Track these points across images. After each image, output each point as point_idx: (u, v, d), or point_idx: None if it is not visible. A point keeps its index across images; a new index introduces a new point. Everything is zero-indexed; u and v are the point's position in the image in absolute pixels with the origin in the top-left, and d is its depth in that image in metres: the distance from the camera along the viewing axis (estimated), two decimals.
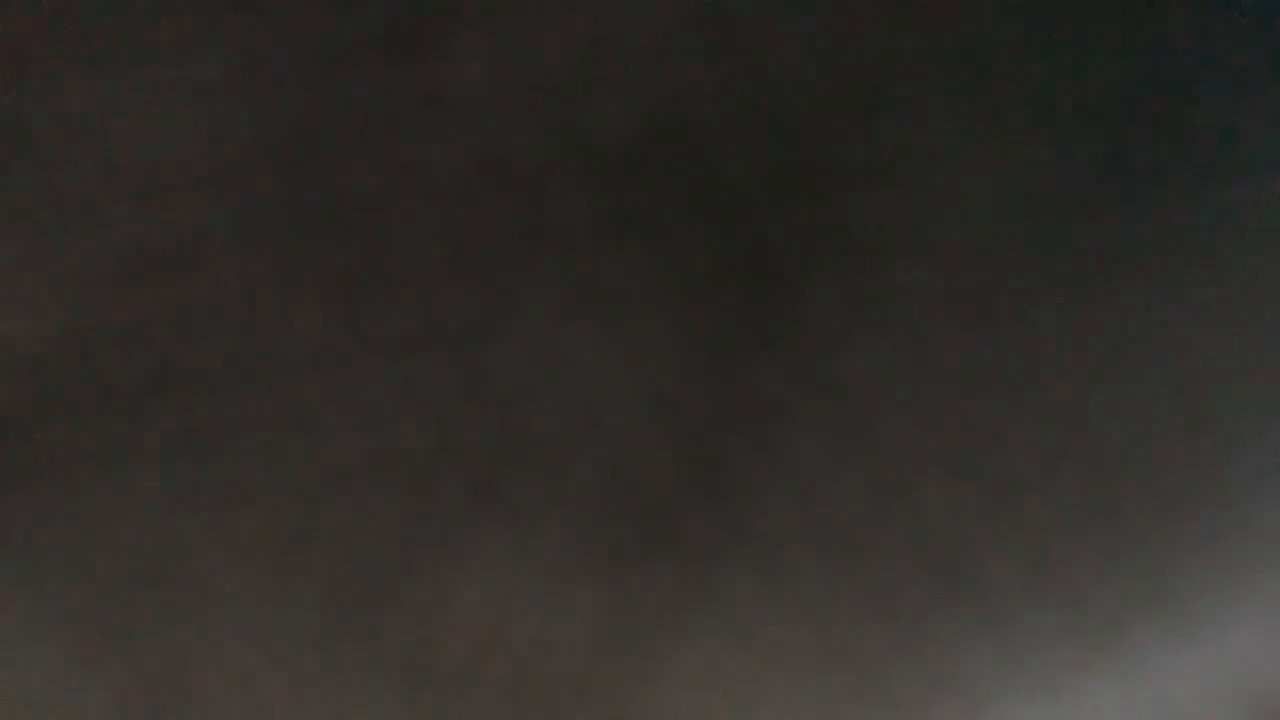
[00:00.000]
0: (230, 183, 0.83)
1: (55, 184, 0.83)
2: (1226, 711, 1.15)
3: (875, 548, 1.03)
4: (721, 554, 1.03)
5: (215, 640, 1.06)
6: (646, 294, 0.89)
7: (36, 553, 1.01)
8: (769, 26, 0.80)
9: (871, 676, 1.11)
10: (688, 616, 1.07)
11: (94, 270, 0.86)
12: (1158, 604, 1.08)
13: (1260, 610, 1.09)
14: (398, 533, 1.01)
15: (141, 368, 0.91)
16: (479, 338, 0.90)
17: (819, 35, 0.80)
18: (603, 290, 0.88)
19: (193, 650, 1.07)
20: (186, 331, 0.90)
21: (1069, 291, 0.90)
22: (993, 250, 0.88)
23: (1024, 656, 1.10)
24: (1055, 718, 1.14)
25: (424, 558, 1.02)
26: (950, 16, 0.80)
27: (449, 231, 0.86)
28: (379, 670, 1.09)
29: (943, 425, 0.96)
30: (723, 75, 0.80)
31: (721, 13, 0.79)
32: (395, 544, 1.02)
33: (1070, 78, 0.82)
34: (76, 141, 0.82)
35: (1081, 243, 0.88)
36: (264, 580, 1.03)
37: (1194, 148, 0.84)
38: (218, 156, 0.82)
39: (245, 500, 0.99)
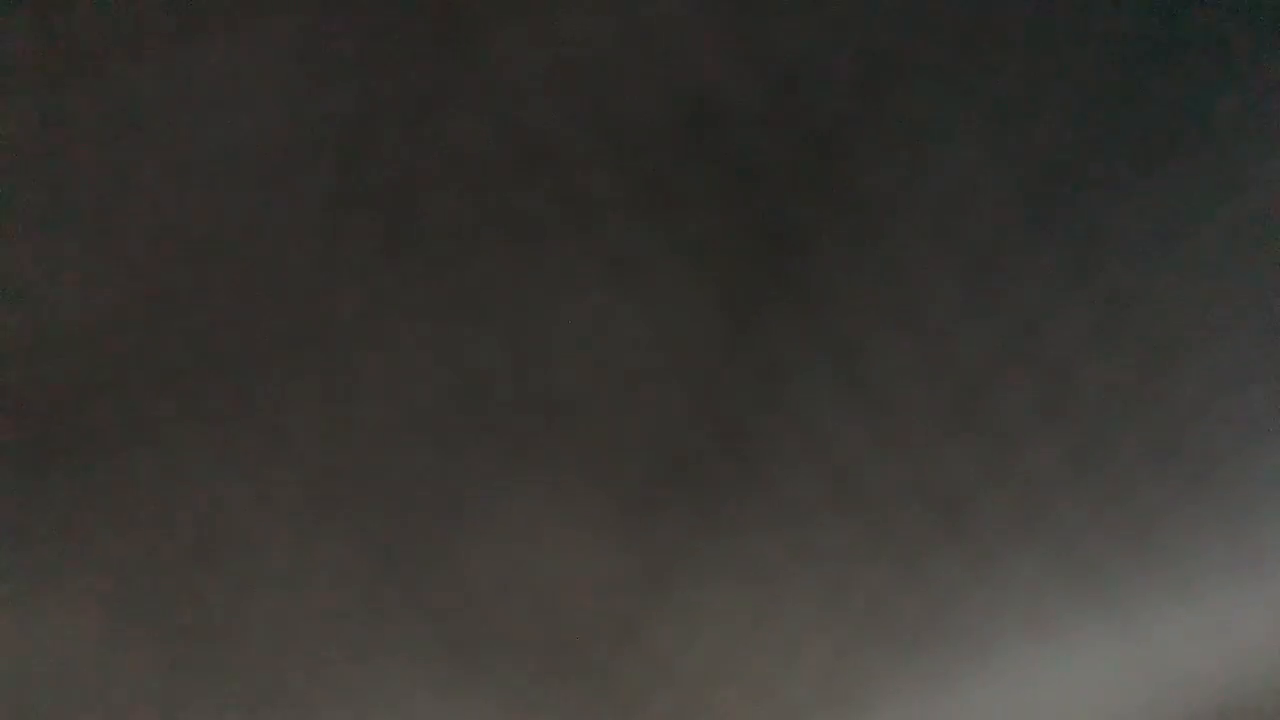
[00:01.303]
0: (281, 166, 0.84)
1: (109, 169, 0.83)
2: (1212, 657, 1.17)
3: (879, 494, 1.04)
4: (737, 502, 1.05)
5: (261, 599, 1.07)
6: (671, 262, 0.90)
7: (84, 517, 1.01)
8: (786, 13, 0.81)
9: (875, 614, 1.12)
10: (705, 559, 1.08)
11: (145, 250, 0.87)
12: (1146, 552, 1.09)
13: (1246, 562, 1.10)
14: (435, 489, 1.02)
15: (190, 341, 0.92)
16: (513, 305, 0.92)
17: (831, 22, 0.81)
18: (630, 259, 0.90)
19: (239, 610, 1.07)
20: (234, 305, 0.90)
21: (1063, 256, 0.93)
22: (991, 218, 0.90)
23: (1016, 597, 1.11)
24: (1045, 655, 1.16)
25: (457, 513, 1.03)
26: (955, 2, 0.82)
27: (487, 206, 0.87)
28: (419, 618, 1.10)
29: (943, 380, 0.98)
30: (743, 59, 0.82)
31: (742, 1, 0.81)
32: (433, 499, 1.03)
33: (1066, 59, 0.84)
34: (130, 127, 0.82)
35: (1075, 212, 0.90)
36: (303, 537, 1.03)
37: (1183, 122, 0.86)
38: (269, 141, 0.83)
39: (289, 463, 0.99)
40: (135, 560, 1.04)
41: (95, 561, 1.04)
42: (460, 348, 0.95)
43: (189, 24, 0.78)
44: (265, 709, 1.13)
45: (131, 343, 0.92)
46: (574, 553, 1.07)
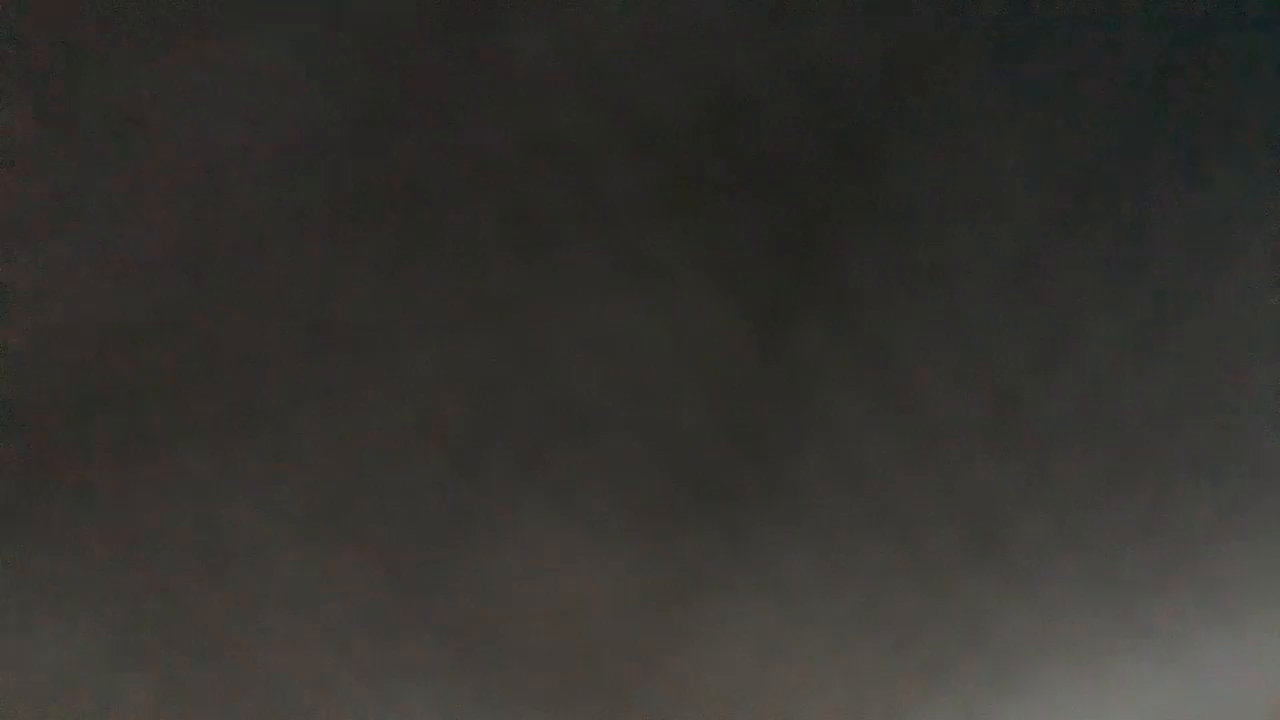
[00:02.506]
0: (285, 167, 0.83)
1: (107, 174, 0.83)
2: (1254, 684, 1.16)
3: (911, 511, 1.04)
4: (761, 518, 1.04)
5: (266, 617, 1.07)
6: (692, 265, 0.89)
7: (85, 532, 1.01)
8: (814, 8, 0.80)
9: (906, 637, 1.12)
10: (728, 579, 1.07)
11: (146, 258, 0.86)
12: (1191, 574, 1.08)
13: None
14: (445, 503, 1.01)
15: (192, 351, 0.91)
16: (527, 309, 0.91)
17: (860, 16, 0.80)
18: (649, 262, 0.89)
19: (244, 628, 1.07)
20: (239, 313, 0.90)
21: (1105, 260, 0.91)
22: (1031, 220, 0.88)
23: (1053, 621, 1.10)
24: (1083, 682, 1.15)
25: (471, 527, 1.03)
26: None
27: (501, 207, 0.86)
28: (427, 637, 1.09)
29: (979, 391, 0.97)
30: (769, 55, 0.81)
31: None
32: (443, 514, 1.02)
33: (1108, 48, 0.82)
34: (128, 130, 0.81)
35: (1117, 213, 0.89)
36: (311, 553, 1.03)
37: (1232, 117, 0.84)
38: (272, 142, 0.82)
39: (294, 477, 0.99)
40: (137, 578, 1.04)
41: (97, 580, 1.04)
42: (473, 356, 0.94)
43: (194, 25, 0.78)
44: None
45: (132, 353, 0.92)
46: (591, 569, 1.06)
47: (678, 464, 1.01)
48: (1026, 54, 0.81)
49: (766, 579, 1.08)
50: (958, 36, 0.80)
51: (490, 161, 0.84)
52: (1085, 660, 1.14)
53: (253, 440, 0.97)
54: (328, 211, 0.85)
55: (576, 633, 1.10)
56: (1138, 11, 0.80)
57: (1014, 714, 1.17)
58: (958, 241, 0.90)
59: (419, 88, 0.81)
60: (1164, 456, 1.02)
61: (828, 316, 0.93)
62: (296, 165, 0.83)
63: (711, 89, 0.82)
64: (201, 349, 0.91)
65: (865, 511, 1.04)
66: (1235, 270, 0.92)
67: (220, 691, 1.11)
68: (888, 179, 0.86)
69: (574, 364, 0.94)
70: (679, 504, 1.03)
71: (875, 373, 0.96)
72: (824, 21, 0.80)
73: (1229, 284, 0.93)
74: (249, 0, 0.77)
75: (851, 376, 0.96)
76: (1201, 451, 1.02)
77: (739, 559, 1.07)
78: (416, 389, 0.95)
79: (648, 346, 0.94)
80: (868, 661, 1.13)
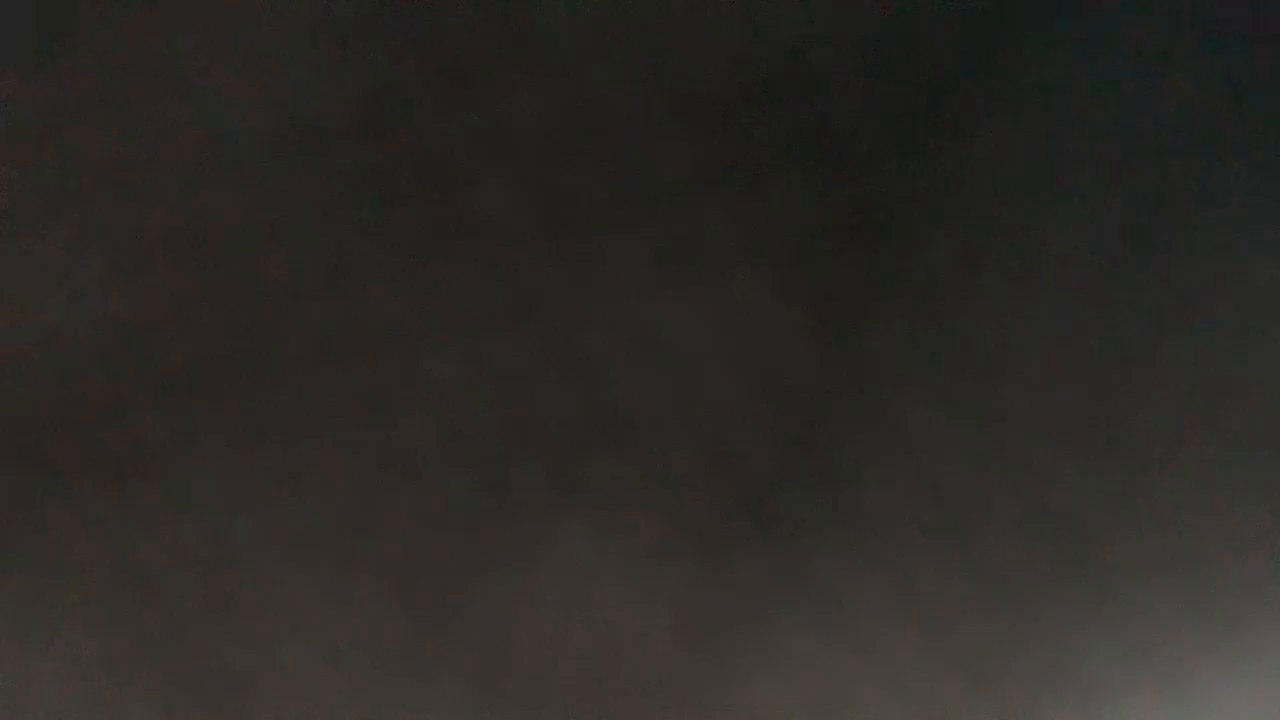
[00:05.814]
0: (299, 149, 0.82)
1: (110, 156, 0.82)
2: None
3: (992, 531, 1.03)
4: (822, 540, 1.04)
5: (270, 645, 1.07)
6: (746, 253, 0.88)
7: (81, 555, 1.01)
8: None
9: (985, 674, 1.11)
10: (783, 610, 1.07)
11: (146, 251, 0.86)
12: None
13: None
14: (470, 524, 1.01)
15: (195, 355, 0.91)
16: (562, 306, 0.89)
17: None
18: (698, 250, 0.87)
19: (245, 656, 1.07)
20: (245, 313, 0.89)
21: (1216, 236, 0.88)
22: (1136, 193, 0.86)
23: (1151, 651, 1.09)
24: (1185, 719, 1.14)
25: (498, 551, 1.03)
26: None
27: (532, 189, 0.84)
28: (448, 674, 1.09)
29: (1071, 396, 0.95)
30: (834, 14, 0.79)
31: None
32: (467, 536, 1.02)
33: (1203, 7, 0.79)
34: (131, 112, 0.80)
35: (1229, 185, 0.86)
36: (324, 579, 1.03)
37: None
38: (286, 122, 0.81)
39: (304, 493, 0.99)
40: (137, 606, 1.04)
41: (94, 607, 1.04)
42: (500, 359, 0.93)
43: None
44: None
45: (131, 356, 0.91)
46: (632, 599, 1.06)
47: (731, 480, 0.99)
48: (1130, 4, 0.78)
49: (829, 610, 1.07)
50: None
51: (520, 138, 0.83)
52: (1187, 697, 1.12)
53: (258, 454, 0.97)
54: (339, 198, 0.85)
55: (615, 670, 1.10)
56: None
57: None
58: (1052, 223, 0.87)
59: (439, 57, 0.80)
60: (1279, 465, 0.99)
61: (901, 312, 0.91)
62: (304, 147, 0.82)
63: (769, 53, 0.80)
64: (204, 351, 0.91)
65: (940, 533, 1.02)
66: None
67: None
68: (971, 153, 0.83)
69: (614, 367, 0.93)
70: (732, 526, 1.02)
71: (956, 375, 0.94)
72: None
73: None
74: None
75: (927, 376, 0.95)
76: None
77: (798, 588, 1.06)
78: (438, 396, 0.94)
79: (697, 346, 0.92)
80: (942, 702, 1.12)
